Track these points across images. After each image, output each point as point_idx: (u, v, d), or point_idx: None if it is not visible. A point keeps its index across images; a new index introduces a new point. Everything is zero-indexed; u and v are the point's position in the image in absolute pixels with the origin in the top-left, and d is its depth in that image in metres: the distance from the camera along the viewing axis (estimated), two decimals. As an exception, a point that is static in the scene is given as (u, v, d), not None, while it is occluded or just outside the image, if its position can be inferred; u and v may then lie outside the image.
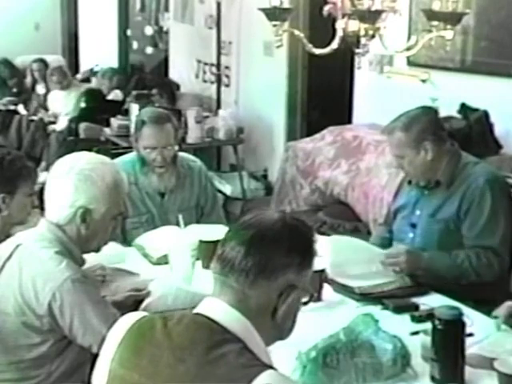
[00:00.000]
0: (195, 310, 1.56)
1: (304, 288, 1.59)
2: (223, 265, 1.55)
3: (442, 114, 4.61)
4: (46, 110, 8.06)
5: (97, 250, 2.37)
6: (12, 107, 8.42)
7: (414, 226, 3.00)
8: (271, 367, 1.46)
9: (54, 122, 7.71)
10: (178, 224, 2.95)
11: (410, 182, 3.07)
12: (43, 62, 8.67)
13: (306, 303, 1.66)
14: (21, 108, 8.31)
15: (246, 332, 1.51)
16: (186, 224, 2.94)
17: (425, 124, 2.92)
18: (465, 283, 2.83)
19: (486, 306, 2.64)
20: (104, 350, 1.62)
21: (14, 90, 8.83)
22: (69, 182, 2.20)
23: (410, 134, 2.88)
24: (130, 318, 1.62)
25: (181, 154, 3.51)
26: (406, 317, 2.50)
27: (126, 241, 3.33)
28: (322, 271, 2.62)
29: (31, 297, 2.13)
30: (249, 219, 1.60)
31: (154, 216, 3.40)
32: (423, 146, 2.88)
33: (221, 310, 1.53)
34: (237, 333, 1.50)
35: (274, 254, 1.53)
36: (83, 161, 2.26)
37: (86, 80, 8.83)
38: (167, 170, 3.38)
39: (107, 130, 6.69)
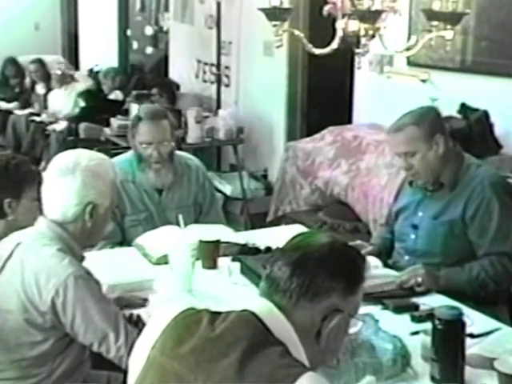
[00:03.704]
0: (242, 307, 1.58)
1: (350, 314, 1.60)
2: (269, 284, 1.59)
3: (442, 114, 4.62)
4: (46, 109, 8.08)
5: (93, 245, 2.43)
6: (11, 106, 8.44)
7: (415, 227, 2.99)
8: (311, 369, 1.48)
9: (54, 122, 7.71)
10: (176, 222, 2.96)
11: (411, 184, 3.05)
12: (40, 63, 8.67)
13: None
14: (21, 108, 8.33)
15: (288, 336, 1.53)
16: (184, 222, 2.94)
17: (434, 118, 2.92)
18: (483, 294, 2.78)
19: (486, 306, 2.64)
20: (144, 335, 1.63)
21: (17, 89, 8.84)
22: (76, 180, 2.23)
23: (422, 127, 2.85)
24: (175, 308, 1.64)
25: (178, 152, 3.53)
26: (406, 317, 2.50)
27: (126, 239, 3.35)
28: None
29: (34, 293, 2.14)
30: (298, 241, 1.64)
31: (152, 214, 3.42)
32: (435, 140, 2.86)
33: (267, 309, 1.55)
34: (279, 337, 1.52)
35: (317, 276, 1.55)
36: (85, 157, 2.29)
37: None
38: (164, 165, 3.40)
39: (107, 130, 6.68)
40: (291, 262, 1.57)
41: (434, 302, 2.57)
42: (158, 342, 1.58)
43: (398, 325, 2.37)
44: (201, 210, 3.53)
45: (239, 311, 1.57)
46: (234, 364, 1.45)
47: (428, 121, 2.88)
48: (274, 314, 1.54)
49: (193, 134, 6.14)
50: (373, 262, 2.96)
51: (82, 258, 2.30)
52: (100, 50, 9.68)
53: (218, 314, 1.60)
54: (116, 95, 7.74)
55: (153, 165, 3.38)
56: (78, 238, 2.28)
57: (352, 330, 1.65)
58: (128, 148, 3.61)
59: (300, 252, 1.59)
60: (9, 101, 8.60)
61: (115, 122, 6.60)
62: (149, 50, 8.91)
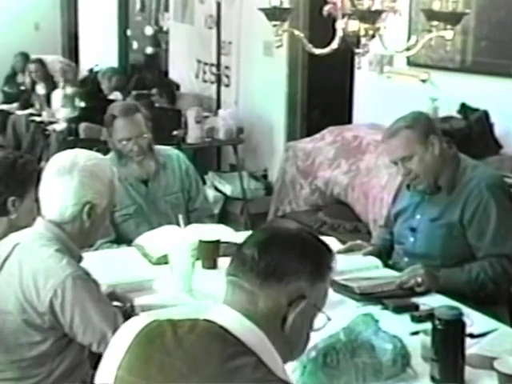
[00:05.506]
0: (206, 317, 1.53)
1: (315, 303, 1.56)
2: (237, 264, 1.56)
3: (442, 113, 4.63)
4: (49, 108, 8.07)
5: (91, 245, 2.45)
6: (11, 106, 8.44)
7: (413, 230, 2.98)
8: (287, 383, 1.45)
9: (54, 122, 7.71)
10: (166, 211, 2.97)
11: (408, 187, 3.05)
12: (40, 63, 8.66)
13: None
14: (21, 108, 8.33)
15: (260, 345, 1.48)
16: (176, 207, 2.95)
17: (426, 121, 2.95)
18: (483, 295, 2.78)
19: (485, 306, 2.64)
20: (109, 355, 1.57)
21: (22, 87, 8.84)
22: (73, 180, 2.23)
23: (416, 129, 2.87)
24: (136, 323, 1.58)
25: (156, 146, 3.59)
26: (406, 317, 2.50)
27: (119, 235, 3.38)
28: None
29: (32, 294, 2.14)
30: (267, 225, 1.64)
31: (141, 205, 3.47)
32: (430, 141, 2.87)
33: (235, 319, 1.50)
34: (251, 346, 1.47)
35: (286, 256, 1.53)
36: (83, 157, 2.29)
37: (86, 80, 8.82)
38: (145, 157, 3.48)
39: (107, 130, 6.68)
40: (259, 241, 1.56)
41: (434, 302, 2.57)
42: (124, 361, 1.51)
43: (397, 325, 2.37)
44: (189, 197, 3.58)
45: (206, 323, 1.51)
46: (205, 380, 1.41)
47: (421, 123, 2.90)
48: (242, 322, 1.50)
49: (193, 134, 6.14)
50: (373, 262, 2.98)
51: (80, 259, 2.29)
52: (100, 50, 9.68)
53: (180, 321, 1.53)
54: (115, 96, 7.74)
55: (135, 158, 3.46)
56: (76, 238, 2.27)
57: (317, 326, 1.60)
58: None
59: (268, 233, 1.60)
60: (13, 98, 8.58)
61: (115, 121, 6.58)
62: (149, 50, 8.91)
